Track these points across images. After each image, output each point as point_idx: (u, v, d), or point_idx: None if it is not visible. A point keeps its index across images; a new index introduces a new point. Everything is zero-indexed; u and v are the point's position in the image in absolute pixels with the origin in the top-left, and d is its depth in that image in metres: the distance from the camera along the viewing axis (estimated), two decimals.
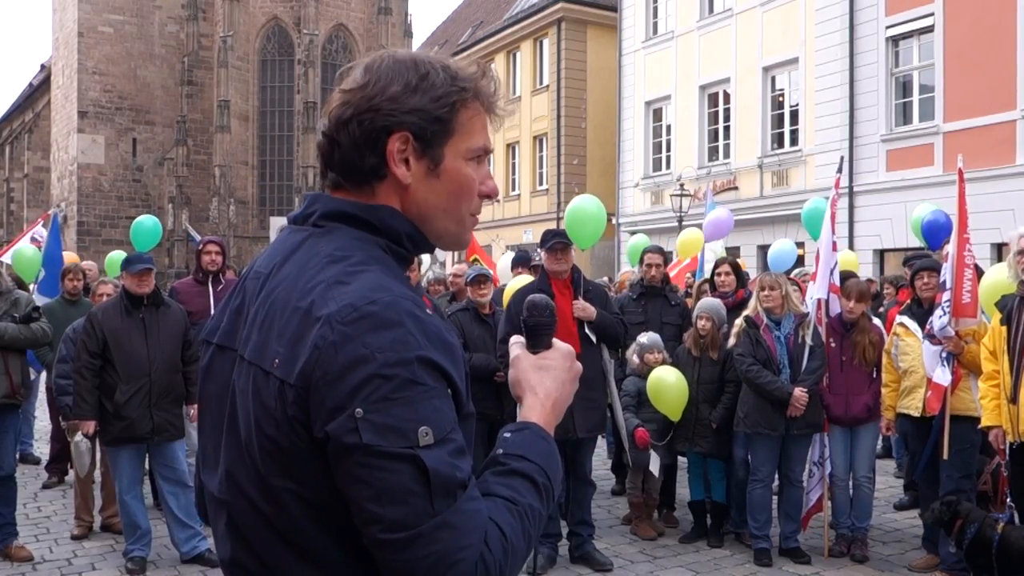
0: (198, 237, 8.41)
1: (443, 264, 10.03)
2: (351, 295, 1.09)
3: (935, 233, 8.77)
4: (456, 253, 11.41)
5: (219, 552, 1.26)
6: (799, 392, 5.34)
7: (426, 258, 9.78)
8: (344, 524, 1.09)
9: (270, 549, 1.15)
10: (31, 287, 8.68)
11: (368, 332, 1.06)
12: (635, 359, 6.09)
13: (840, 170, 6.69)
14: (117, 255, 9.88)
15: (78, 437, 5.51)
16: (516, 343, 1.34)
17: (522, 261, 7.90)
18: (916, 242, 10.27)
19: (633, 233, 21.36)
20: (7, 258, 10.42)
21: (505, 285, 7.02)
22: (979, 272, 5.44)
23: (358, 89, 1.19)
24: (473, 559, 1.03)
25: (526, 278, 6.55)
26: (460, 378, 1.13)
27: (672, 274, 9.27)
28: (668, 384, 5.73)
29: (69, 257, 9.36)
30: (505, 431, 1.21)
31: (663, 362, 5.93)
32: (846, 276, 6.12)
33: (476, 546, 1.04)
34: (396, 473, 1.03)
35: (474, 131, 1.23)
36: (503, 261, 9.87)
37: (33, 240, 10.02)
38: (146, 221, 9.75)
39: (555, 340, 1.32)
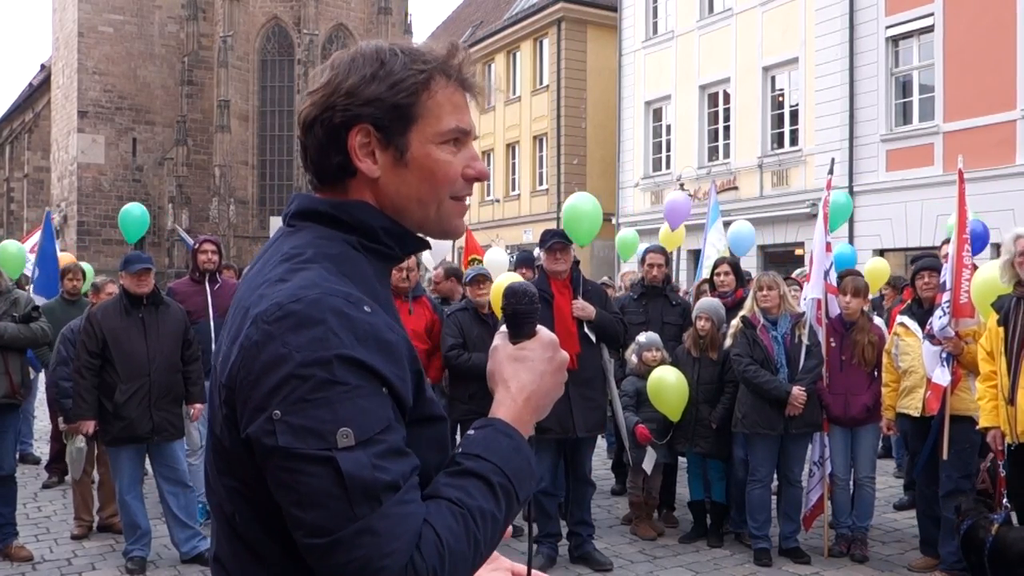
0: (190, 241, 8.40)
1: (427, 269, 10.05)
2: (280, 294, 1.07)
3: (973, 242, 8.76)
4: (454, 254, 11.41)
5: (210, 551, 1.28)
6: (797, 391, 5.35)
7: (426, 257, 9.78)
8: (283, 524, 1.07)
9: (232, 547, 1.15)
10: (29, 287, 8.67)
11: (288, 331, 1.03)
12: (633, 359, 6.09)
13: (831, 171, 6.70)
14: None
15: (79, 442, 5.50)
16: (500, 333, 1.27)
17: (525, 261, 7.89)
18: (916, 242, 10.30)
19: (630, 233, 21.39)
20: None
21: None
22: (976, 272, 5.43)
23: (321, 88, 1.17)
24: (399, 565, 0.99)
25: (514, 276, 6.55)
26: (400, 376, 1.07)
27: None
28: (668, 384, 5.73)
29: (66, 258, 9.35)
30: (471, 428, 1.17)
31: (662, 361, 5.93)
32: (844, 274, 6.11)
33: (404, 551, 0.99)
34: (315, 476, 0.99)
35: (443, 113, 1.18)
36: (492, 254, 9.87)
37: (33, 248, 9.95)
38: (133, 210, 9.75)
39: (539, 328, 1.23)
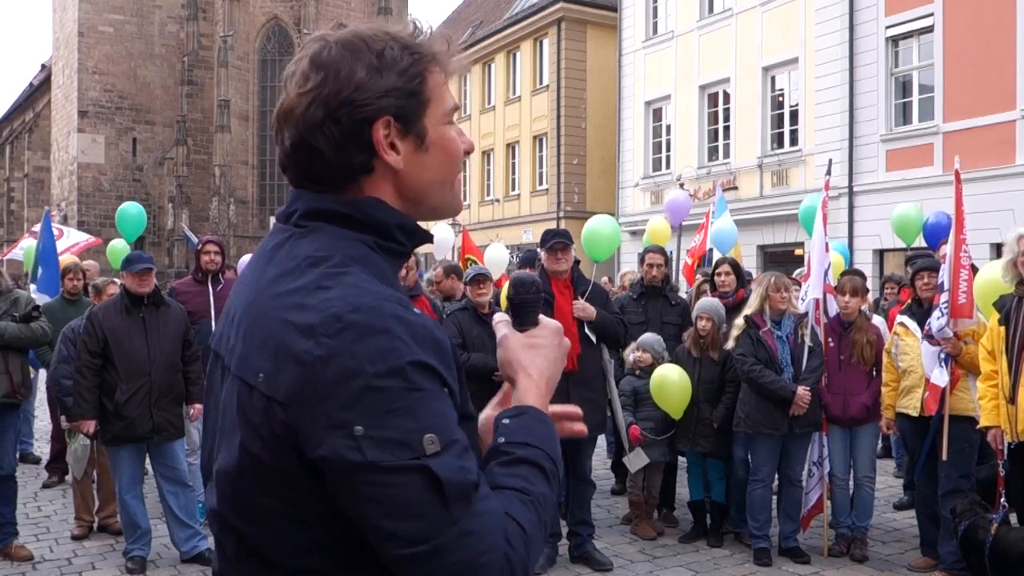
0: (195, 239, 8.44)
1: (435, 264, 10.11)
2: (334, 304, 1.03)
3: (936, 235, 8.83)
4: (453, 254, 11.41)
5: (213, 564, 1.22)
6: (802, 391, 5.35)
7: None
8: (333, 539, 1.06)
9: (245, 566, 1.11)
10: (30, 287, 8.68)
11: (354, 343, 1.00)
12: (631, 357, 6.10)
13: (829, 172, 6.71)
14: (119, 244, 9.90)
15: (81, 440, 5.51)
16: (501, 322, 1.27)
17: (528, 261, 7.88)
18: (917, 241, 10.31)
19: (633, 234, 21.39)
20: (17, 255, 10.47)
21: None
22: (976, 273, 5.44)
23: (318, 87, 1.11)
24: (499, 562, 1.00)
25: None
26: (453, 377, 1.08)
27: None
28: (671, 382, 5.74)
29: (67, 258, 9.36)
30: (503, 417, 1.16)
31: (652, 363, 5.94)
32: (843, 274, 6.12)
33: (499, 547, 1.00)
34: (407, 487, 0.98)
35: (444, 94, 1.18)
36: (492, 251, 9.88)
37: (30, 232, 10.05)
38: (130, 208, 9.80)
39: (542, 316, 1.26)
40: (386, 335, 1.01)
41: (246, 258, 7.95)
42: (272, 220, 1.29)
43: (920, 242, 9.54)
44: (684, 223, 11.11)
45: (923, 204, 15.47)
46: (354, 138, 1.11)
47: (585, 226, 6.80)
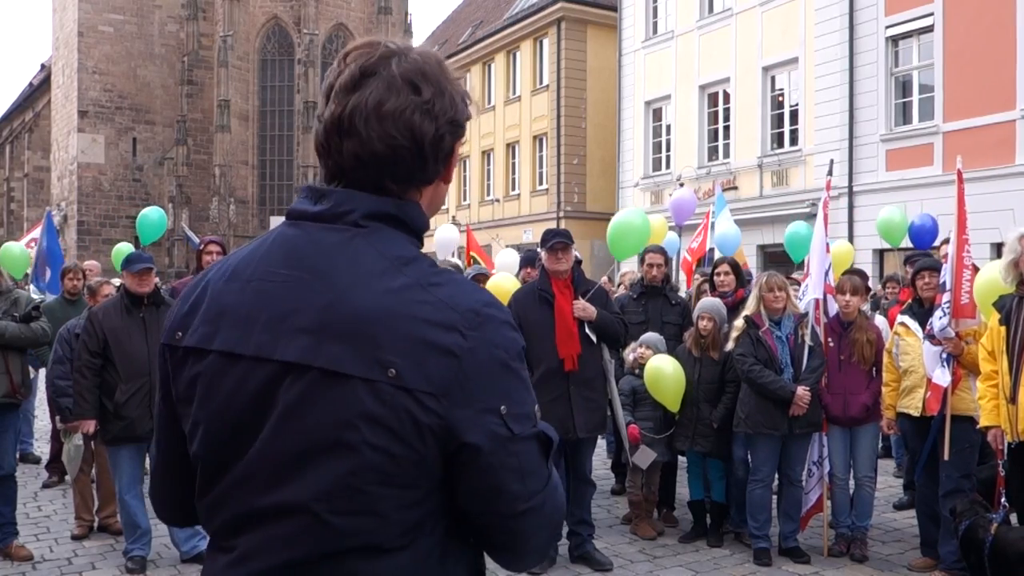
0: (196, 239, 8.48)
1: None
2: (465, 299, 1.15)
3: (922, 236, 8.85)
4: (457, 252, 11.43)
5: (257, 566, 1.16)
6: (802, 391, 5.35)
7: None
8: (426, 517, 1.15)
9: (343, 560, 1.13)
10: (29, 287, 8.68)
11: (493, 333, 1.14)
12: (629, 356, 6.10)
13: (830, 172, 6.70)
14: (125, 247, 10.01)
15: (76, 439, 5.50)
16: None
17: (529, 261, 7.88)
18: (904, 243, 10.34)
19: None
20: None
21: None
22: (978, 273, 5.44)
23: (432, 100, 1.19)
24: (564, 500, 1.26)
25: (509, 277, 6.55)
26: None
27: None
28: (666, 374, 5.74)
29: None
30: None
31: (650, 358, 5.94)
32: (846, 273, 6.12)
33: (563, 491, 1.26)
34: (530, 452, 1.17)
35: None
36: (504, 256, 9.87)
37: (29, 243, 10.04)
38: (151, 214, 9.86)
39: None
40: (507, 325, 1.18)
41: None
42: (272, 220, 1.29)
43: (906, 244, 9.56)
44: (685, 223, 11.09)
45: (923, 204, 15.53)
46: (443, 152, 1.23)
47: (613, 220, 6.61)
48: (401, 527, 1.13)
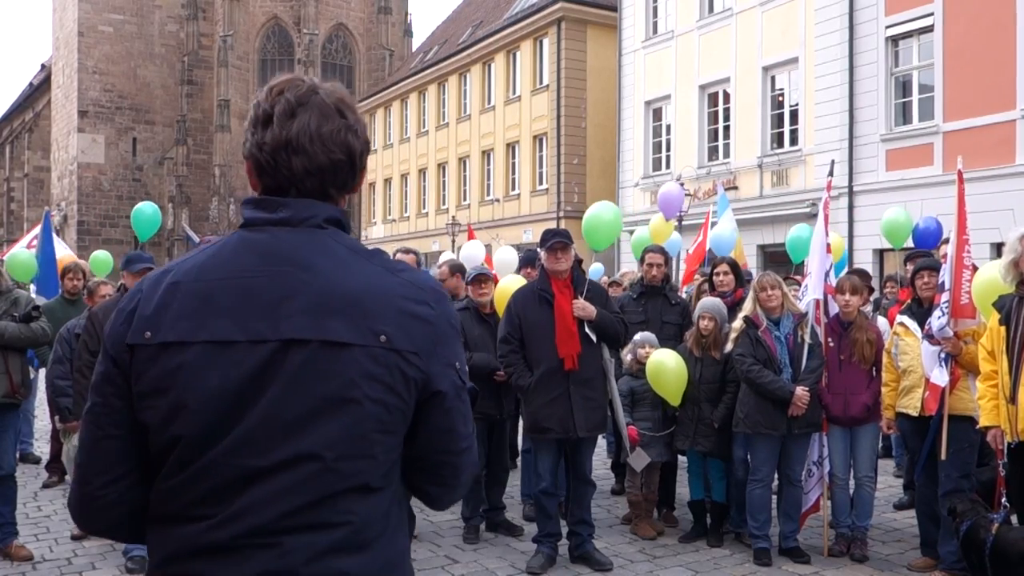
0: (196, 238, 8.51)
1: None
2: (424, 279, 1.47)
3: (927, 238, 8.85)
4: (455, 252, 11.42)
5: (250, 520, 1.31)
6: (801, 391, 5.35)
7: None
8: (396, 458, 1.42)
9: (347, 501, 1.35)
10: (30, 287, 8.68)
11: (449, 306, 1.47)
12: (628, 356, 6.10)
13: (831, 173, 6.70)
14: (102, 255, 10.16)
15: (74, 440, 5.50)
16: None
17: (530, 261, 7.87)
18: (907, 244, 10.35)
19: (633, 233, 21.38)
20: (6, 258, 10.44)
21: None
22: (977, 272, 5.43)
23: (355, 123, 1.47)
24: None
25: (518, 279, 6.54)
26: None
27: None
28: (668, 368, 5.74)
29: (68, 257, 9.38)
30: None
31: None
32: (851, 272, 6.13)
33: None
34: (468, 400, 1.48)
35: None
36: (502, 254, 9.85)
37: (31, 244, 10.08)
38: (146, 208, 9.91)
39: None
40: (451, 300, 1.51)
41: None
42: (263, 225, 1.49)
43: (909, 245, 9.56)
44: (686, 223, 11.10)
45: (923, 204, 15.55)
46: (362, 165, 1.50)
47: (586, 213, 6.63)
48: (384, 468, 1.39)
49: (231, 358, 1.33)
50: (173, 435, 1.34)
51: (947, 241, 5.93)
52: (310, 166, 1.42)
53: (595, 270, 8.64)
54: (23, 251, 9.77)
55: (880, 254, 16.88)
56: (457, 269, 6.83)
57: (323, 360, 1.33)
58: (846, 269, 8.21)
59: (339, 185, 1.46)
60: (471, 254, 10.42)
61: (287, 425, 1.32)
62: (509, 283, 6.34)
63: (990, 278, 4.88)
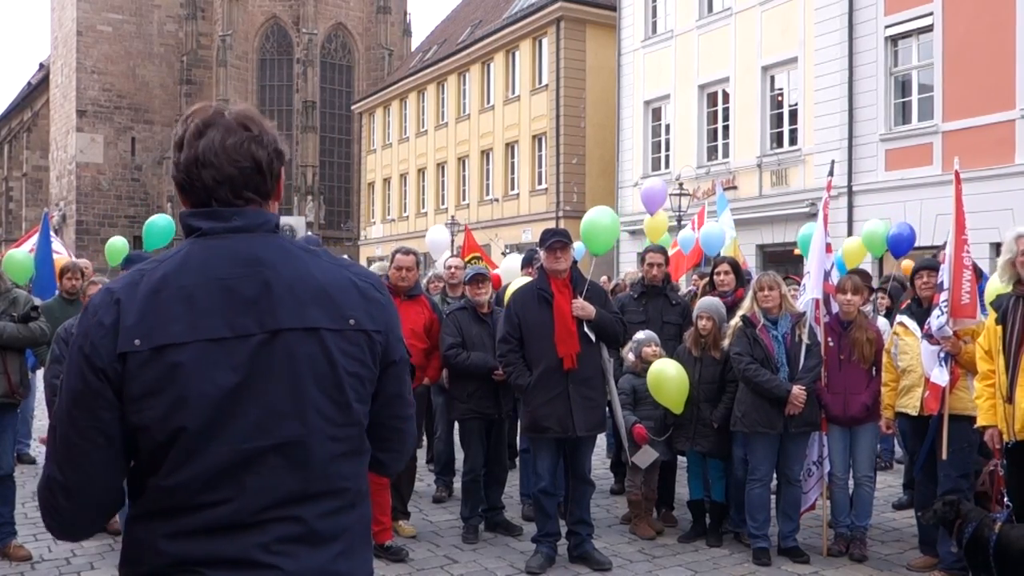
0: None
1: (433, 263, 10.09)
2: (369, 272, 1.72)
3: (899, 244, 8.86)
4: (453, 250, 11.44)
5: (258, 500, 1.47)
6: (797, 390, 5.34)
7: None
8: (365, 424, 1.63)
9: (339, 465, 1.56)
10: (31, 287, 8.66)
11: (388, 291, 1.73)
12: (631, 356, 6.09)
13: (831, 173, 6.70)
14: (119, 242, 9.88)
15: None
16: None
17: (528, 261, 7.87)
18: (916, 242, 10.33)
19: (632, 233, 21.39)
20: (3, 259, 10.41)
21: (507, 285, 7.01)
22: (978, 272, 5.43)
23: (260, 134, 1.60)
24: None
25: (525, 280, 6.53)
26: None
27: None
28: (669, 376, 5.73)
29: (61, 260, 9.34)
30: None
31: (660, 356, 5.93)
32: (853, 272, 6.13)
33: None
34: (408, 371, 1.74)
35: None
36: (508, 262, 9.86)
37: (32, 250, 10.00)
38: (159, 220, 9.72)
39: None
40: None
41: None
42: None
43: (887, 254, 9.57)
44: (685, 223, 11.10)
45: (922, 204, 15.57)
46: (274, 173, 1.63)
47: (583, 219, 6.65)
48: (362, 434, 1.62)
49: (223, 353, 1.46)
50: (175, 427, 1.45)
51: (946, 241, 5.93)
52: (219, 176, 1.55)
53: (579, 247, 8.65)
54: (20, 252, 9.72)
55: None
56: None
57: (307, 344, 1.52)
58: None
59: (253, 190, 1.59)
60: (436, 239, 10.45)
61: (284, 406, 1.49)
62: (518, 283, 6.34)
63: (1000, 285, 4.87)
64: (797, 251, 10.25)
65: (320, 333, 1.53)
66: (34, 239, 10.30)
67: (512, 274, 8.64)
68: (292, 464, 1.50)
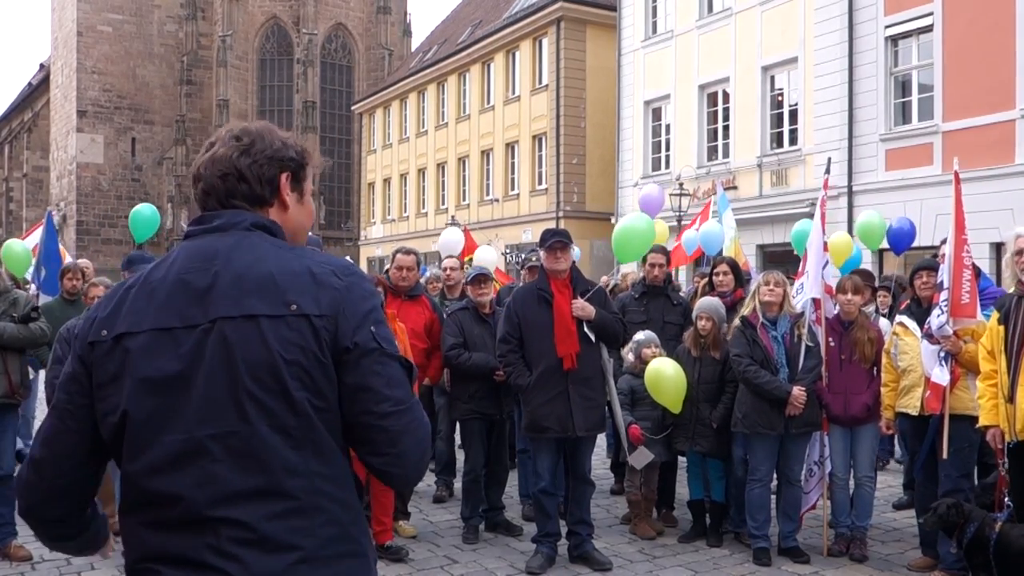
0: None
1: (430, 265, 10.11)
2: (336, 261, 1.66)
3: (900, 239, 8.85)
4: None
5: (204, 492, 1.49)
6: (797, 391, 5.35)
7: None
8: (337, 423, 1.58)
9: (303, 457, 1.53)
10: (31, 287, 8.66)
11: (363, 280, 1.65)
12: (631, 356, 6.09)
13: (828, 171, 6.70)
14: (146, 208, 9.97)
15: None
16: None
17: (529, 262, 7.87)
18: (916, 241, 10.33)
19: None
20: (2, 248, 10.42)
21: (512, 286, 7.01)
22: (978, 272, 5.44)
23: (251, 144, 1.68)
24: (427, 421, 1.65)
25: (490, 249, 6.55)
26: None
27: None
28: (667, 376, 5.73)
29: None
30: None
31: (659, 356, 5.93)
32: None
33: (423, 411, 1.67)
34: (396, 368, 1.60)
35: (309, 175, 1.79)
36: (482, 253, 9.88)
37: (35, 248, 10.01)
38: (144, 210, 9.86)
39: None
40: (369, 281, 1.68)
41: None
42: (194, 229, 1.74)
43: (885, 246, 9.57)
44: (685, 223, 11.11)
45: (922, 203, 15.56)
46: (265, 178, 1.69)
47: (617, 226, 6.65)
48: (313, 426, 1.54)
49: (172, 342, 1.54)
50: (122, 411, 1.53)
51: (945, 241, 5.93)
52: (206, 187, 1.68)
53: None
54: (20, 243, 9.71)
55: (880, 254, 16.87)
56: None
57: (242, 332, 1.52)
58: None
59: (241, 197, 1.67)
60: (449, 240, 10.49)
61: (221, 394, 1.51)
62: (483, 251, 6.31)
63: None
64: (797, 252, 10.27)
65: (258, 320, 1.53)
66: (36, 235, 10.30)
67: (488, 265, 8.70)
68: (233, 455, 1.50)
